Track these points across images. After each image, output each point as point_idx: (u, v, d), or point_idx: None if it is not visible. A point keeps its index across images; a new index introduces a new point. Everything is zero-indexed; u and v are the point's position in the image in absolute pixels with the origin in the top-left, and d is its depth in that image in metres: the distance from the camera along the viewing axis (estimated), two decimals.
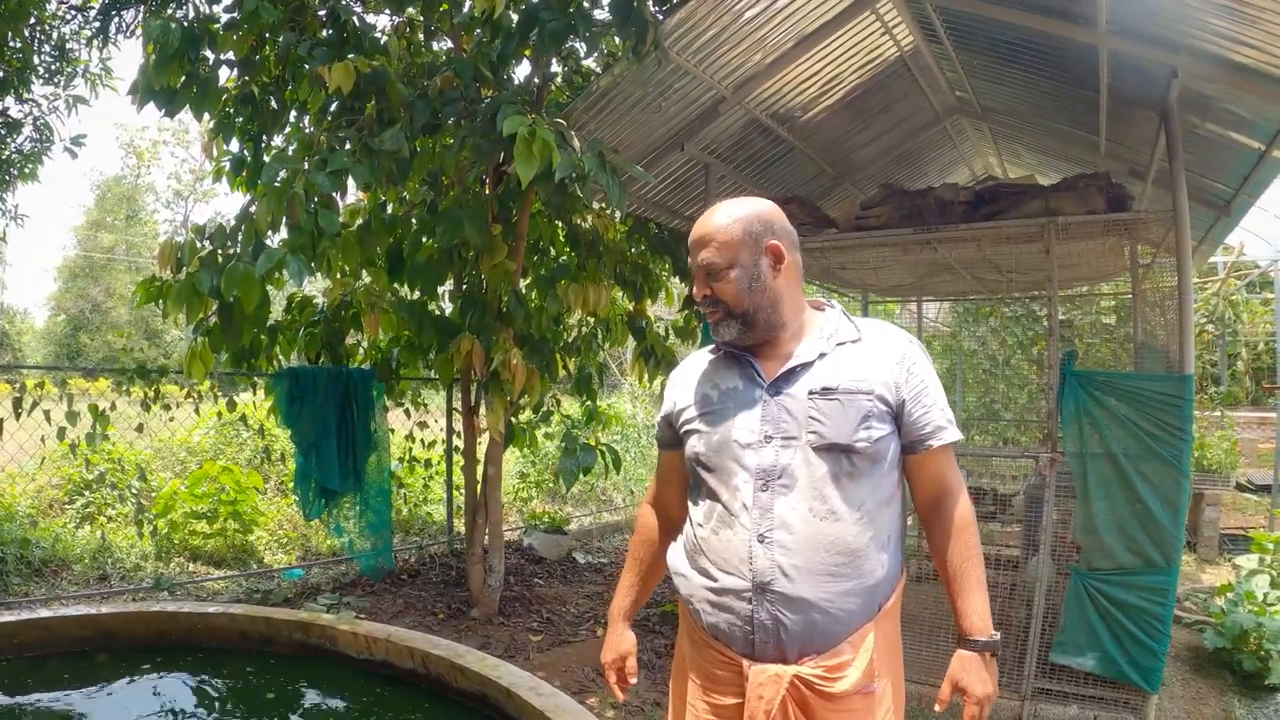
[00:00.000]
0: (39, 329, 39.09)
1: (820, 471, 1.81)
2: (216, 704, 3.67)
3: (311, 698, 3.79)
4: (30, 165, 6.80)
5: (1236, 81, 3.79)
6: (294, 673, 3.93)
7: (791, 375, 1.89)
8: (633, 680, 2.18)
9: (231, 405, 5.70)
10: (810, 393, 1.85)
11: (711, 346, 2.08)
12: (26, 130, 6.78)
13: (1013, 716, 4.27)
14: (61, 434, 4.90)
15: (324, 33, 4.96)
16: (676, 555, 2.03)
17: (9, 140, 6.63)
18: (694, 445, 1.96)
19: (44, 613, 4.13)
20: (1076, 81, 4.67)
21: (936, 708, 1.90)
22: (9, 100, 6.48)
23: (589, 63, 6.44)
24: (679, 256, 6.76)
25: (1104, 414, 4.21)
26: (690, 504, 2.02)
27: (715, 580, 1.87)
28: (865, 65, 5.39)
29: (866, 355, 1.90)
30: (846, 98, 5.66)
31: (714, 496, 1.91)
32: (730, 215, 1.94)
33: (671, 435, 2.08)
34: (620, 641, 2.19)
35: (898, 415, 1.88)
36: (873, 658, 1.82)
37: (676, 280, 7.29)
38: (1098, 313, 8.77)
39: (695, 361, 2.11)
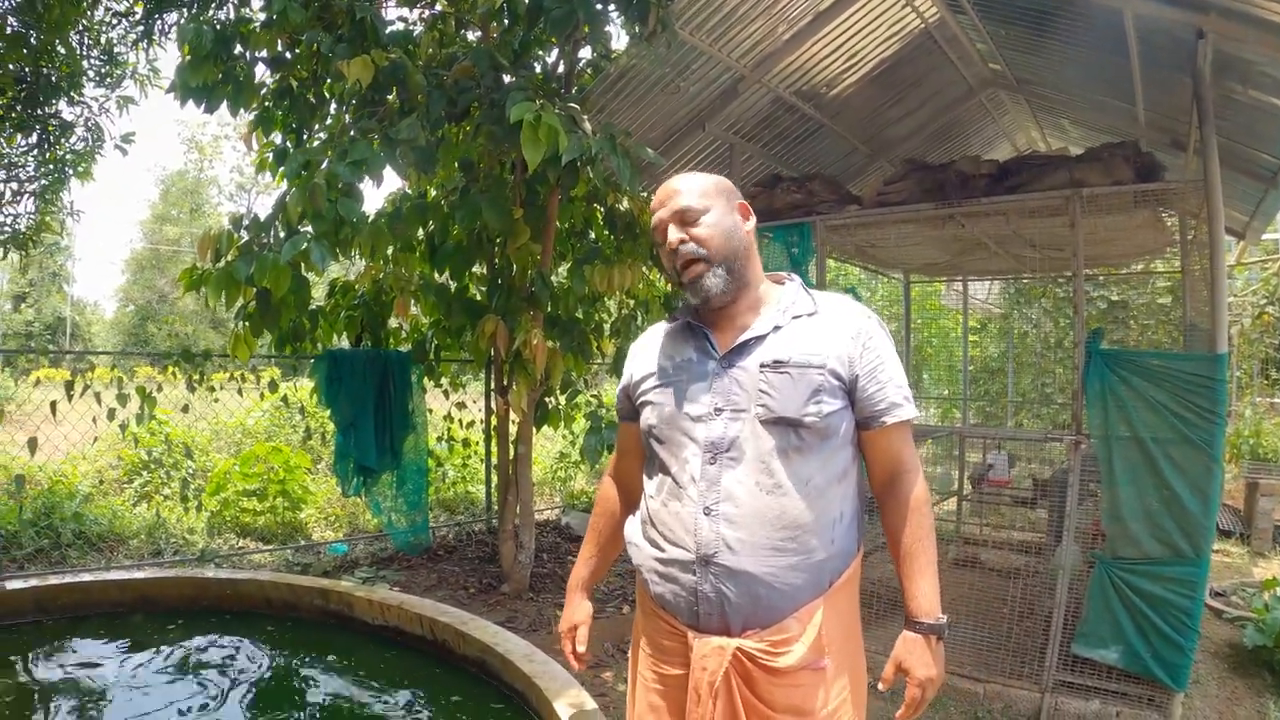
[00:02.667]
0: (108, 319, 41.50)
1: (767, 445, 1.78)
2: (233, 660, 3.85)
3: (324, 657, 3.94)
4: (84, 164, 7.17)
5: (1271, 42, 3.56)
6: (311, 635, 4.08)
7: (745, 348, 1.85)
8: (581, 648, 2.16)
9: (273, 387, 5.96)
10: (761, 365, 1.82)
11: (670, 317, 2.06)
12: (79, 131, 7.14)
13: (1032, 709, 4.14)
14: (112, 415, 5.22)
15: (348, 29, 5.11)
16: (632, 527, 2.03)
17: (62, 141, 7.03)
18: (647, 417, 1.94)
19: (85, 577, 4.39)
20: (1107, 48, 4.46)
21: (880, 686, 1.86)
22: (61, 103, 6.90)
23: (619, 47, 6.46)
24: None
25: (1131, 395, 4.02)
26: (645, 476, 2.00)
27: (662, 551, 1.87)
28: (889, 38, 5.26)
29: (821, 329, 1.85)
30: (873, 72, 5.53)
31: (664, 469, 1.89)
32: (697, 175, 1.95)
33: (629, 407, 2.06)
34: (575, 611, 2.19)
35: (851, 390, 1.83)
36: (821, 634, 1.78)
37: None
38: (1153, 293, 8.32)
39: (654, 334, 2.08)
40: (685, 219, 1.87)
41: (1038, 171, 4.50)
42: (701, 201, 1.87)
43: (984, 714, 4.13)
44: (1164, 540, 3.91)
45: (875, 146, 6.44)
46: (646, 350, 2.05)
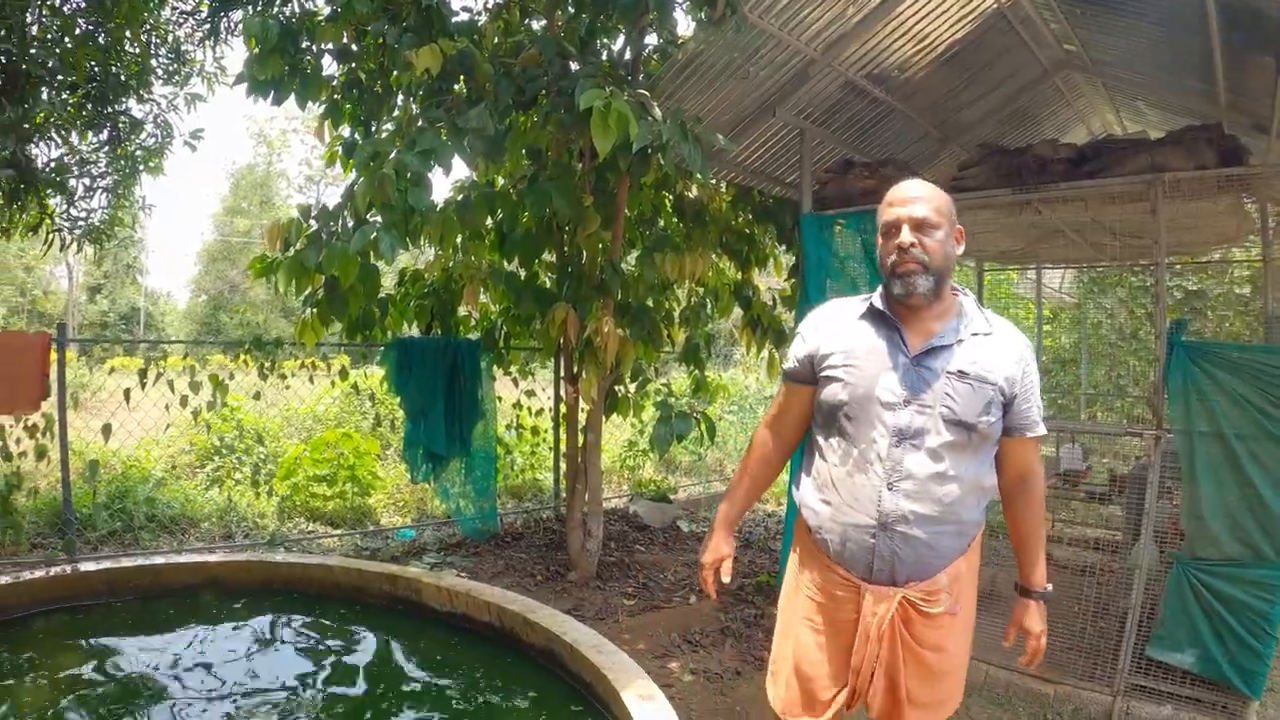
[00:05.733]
0: (181, 310, 42.64)
1: (945, 439, 2.14)
2: (305, 640, 3.93)
3: (392, 642, 3.99)
4: (154, 160, 7.37)
5: None
6: (379, 620, 4.14)
7: (934, 352, 2.18)
8: (726, 579, 2.50)
9: (344, 375, 6.06)
10: (948, 372, 2.15)
11: (862, 299, 2.33)
12: (148, 128, 7.34)
13: (1104, 712, 4.03)
14: (184, 402, 5.37)
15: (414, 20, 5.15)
16: (806, 490, 2.35)
17: (132, 138, 7.22)
18: (836, 393, 2.24)
19: (157, 560, 4.51)
20: (1187, 28, 4.29)
21: (1005, 644, 2.43)
22: (131, 101, 7.10)
23: (685, 32, 6.40)
24: (782, 224, 6.68)
25: (1214, 389, 3.88)
26: (821, 440, 2.32)
27: (846, 516, 2.22)
28: (961, 20, 5.12)
29: (995, 350, 2.20)
30: (945, 55, 5.40)
31: (852, 442, 2.22)
32: (935, 189, 2.23)
33: (808, 374, 2.34)
34: (723, 544, 2.52)
35: (1008, 405, 2.20)
36: (960, 585, 2.23)
37: (783, 249, 7.17)
38: (1231, 283, 7.98)
39: (839, 310, 2.36)
40: (922, 226, 2.16)
41: (1117, 156, 4.35)
42: (937, 218, 2.17)
43: (1053, 716, 4.04)
44: (1244, 541, 3.79)
45: (947, 131, 6.31)
46: (833, 325, 2.33)
